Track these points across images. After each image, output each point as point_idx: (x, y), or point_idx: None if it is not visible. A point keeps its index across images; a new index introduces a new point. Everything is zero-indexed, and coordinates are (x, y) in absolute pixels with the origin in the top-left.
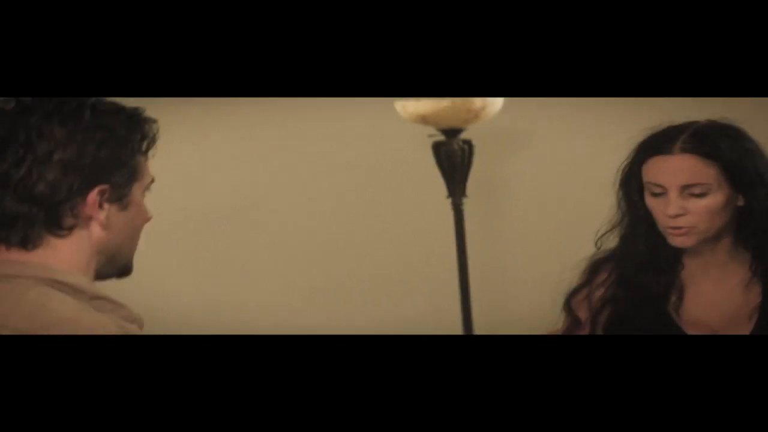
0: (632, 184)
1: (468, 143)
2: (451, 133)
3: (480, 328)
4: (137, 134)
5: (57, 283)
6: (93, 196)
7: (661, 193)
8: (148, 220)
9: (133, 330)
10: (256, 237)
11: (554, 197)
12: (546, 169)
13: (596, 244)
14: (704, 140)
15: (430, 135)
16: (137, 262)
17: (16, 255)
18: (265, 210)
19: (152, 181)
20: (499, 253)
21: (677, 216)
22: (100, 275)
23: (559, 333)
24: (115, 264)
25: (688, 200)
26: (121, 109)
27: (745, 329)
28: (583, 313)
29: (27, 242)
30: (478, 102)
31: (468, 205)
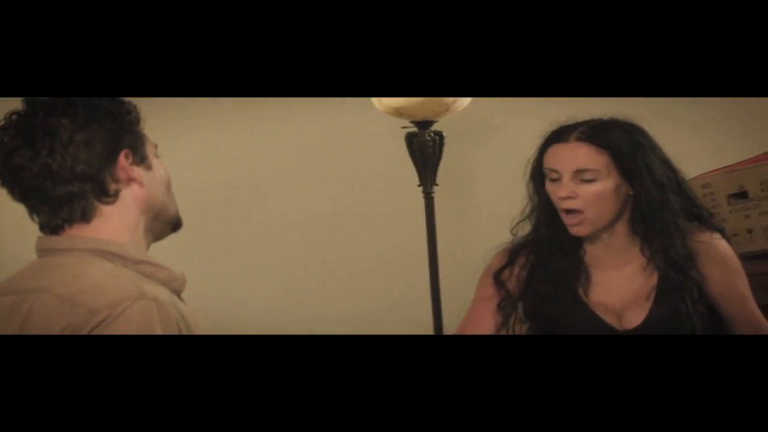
0: (537, 173)
1: (439, 134)
2: (424, 125)
3: (449, 312)
4: (123, 110)
5: (104, 252)
6: (122, 158)
7: (557, 178)
8: (169, 178)
9: (161, 292)
10: (232, 235)
11: (518, 186)
12: (511, 160)
13: (512, 231)
14: (599, 131)
15: (404, 127)
16: None
17: (77, 229)
18: (240, 207)
19: (156, 146)
20: (466, 238)
21: (567, 198)
22: (156, 233)
23: (493, 302)
24: (163, 218)
25: (580, 185)
26: (100, 98)
27: (645, 309)
28: (512, 287)
29: (85, 215)
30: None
31: (438, 193)
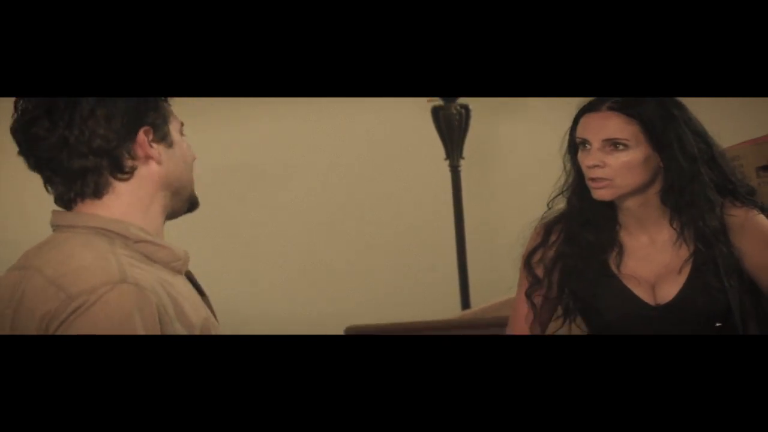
0: (572, 145)
1: (465, 107)
2: (449, 97)
3: (475, 284)
4: None
5: (105, 231)
6: (141, 135)
7: (587, 147)
8: (194, 157)
9: (147, 275)
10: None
11: (546, 158)
12: (539, 131)
13: (548, 205)
14: (632, 102)
15: (429, 100)
16: None
17: (88, 206)
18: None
19: (182, 124)
20: (494, 211)
21: (595, 167)
22: (172, 211)
23: (522, 291)
24: (181, 196)
25: (609, 154)
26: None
27: (677, 283)
28: (540, 272)
29: (98, 191)
30: None
31: (465, 167)
